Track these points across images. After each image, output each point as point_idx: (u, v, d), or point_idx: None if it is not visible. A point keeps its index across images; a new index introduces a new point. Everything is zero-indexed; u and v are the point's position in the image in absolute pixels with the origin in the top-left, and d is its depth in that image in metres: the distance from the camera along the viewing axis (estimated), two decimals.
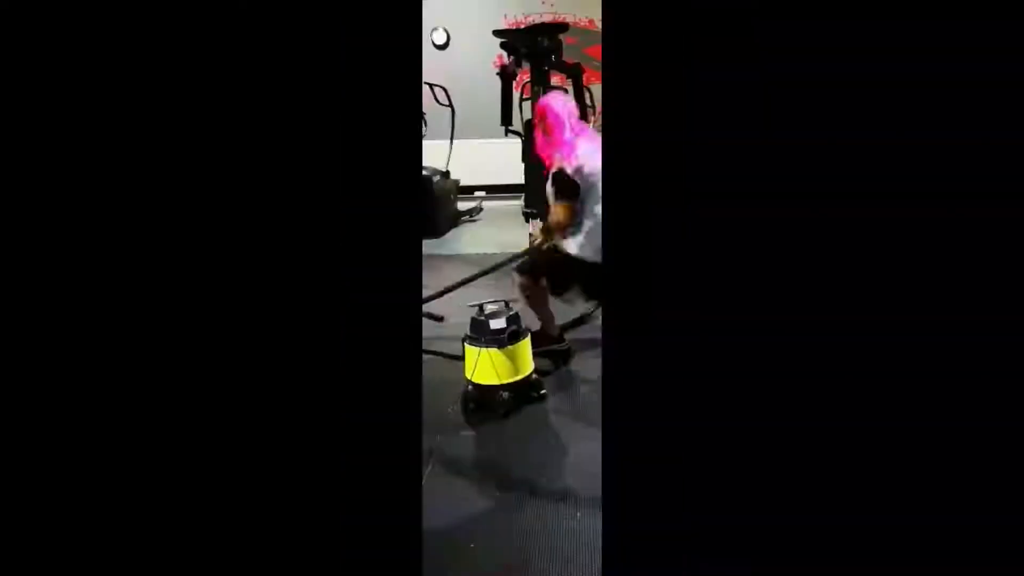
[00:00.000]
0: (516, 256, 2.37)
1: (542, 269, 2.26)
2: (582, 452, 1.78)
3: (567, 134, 2.15)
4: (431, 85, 4.51)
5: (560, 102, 2.26)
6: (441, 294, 2.09)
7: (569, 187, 2.10)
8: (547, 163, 2.23)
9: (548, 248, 2.21)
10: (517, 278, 2.30)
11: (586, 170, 2.08)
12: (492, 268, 2.23)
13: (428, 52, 5.45)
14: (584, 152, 2.10)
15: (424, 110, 4.48)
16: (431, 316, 2.74)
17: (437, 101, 4.58)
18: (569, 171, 2.10)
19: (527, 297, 2.31)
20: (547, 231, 2.21)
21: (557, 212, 2.15)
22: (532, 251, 2.30)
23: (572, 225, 2.14)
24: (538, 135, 2.25)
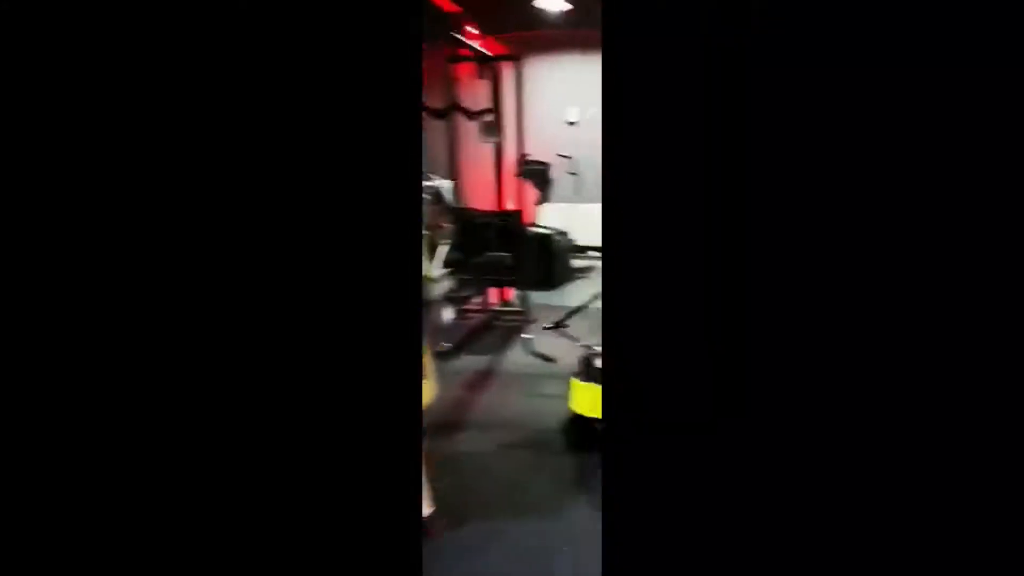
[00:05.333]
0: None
1: None
2: None
3: None
4: (562, 155, 5.07)
5: None
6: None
7: None
8: None
9: None
10: None
11: None
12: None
13: (561, 128, 6.11)
14: None
15: (553, 177, 5.03)
16: (544, 357, 3.13)
17: (565, 170, 5.12)
18: None
19: None
20: None
21: None
22: None
23: None
24: None
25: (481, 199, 4.26)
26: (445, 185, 3.21)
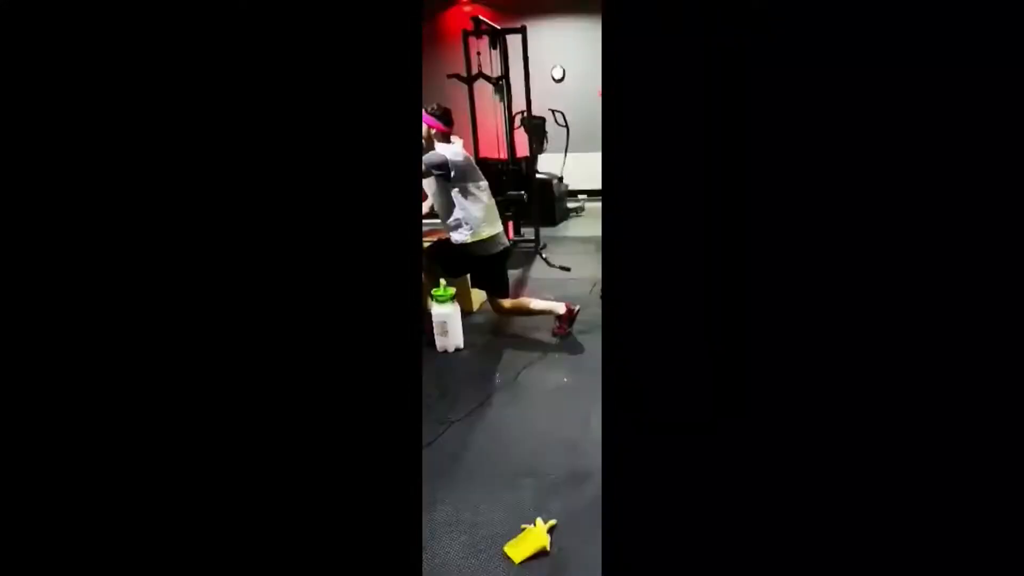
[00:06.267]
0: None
1: (433, 256, 2.64)
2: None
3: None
4: (553, 111, 5.93)
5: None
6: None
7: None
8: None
9: (441, 240, 2.67)
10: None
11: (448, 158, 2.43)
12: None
13: (549, 84, 6.92)
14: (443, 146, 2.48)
15: (547, 129, 5.92)
16: (562, 267, 4.12)
17: (556, 123, 6.00)
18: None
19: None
20: None
21: None
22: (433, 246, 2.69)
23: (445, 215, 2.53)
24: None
25: (491, 148, 5.13)
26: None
